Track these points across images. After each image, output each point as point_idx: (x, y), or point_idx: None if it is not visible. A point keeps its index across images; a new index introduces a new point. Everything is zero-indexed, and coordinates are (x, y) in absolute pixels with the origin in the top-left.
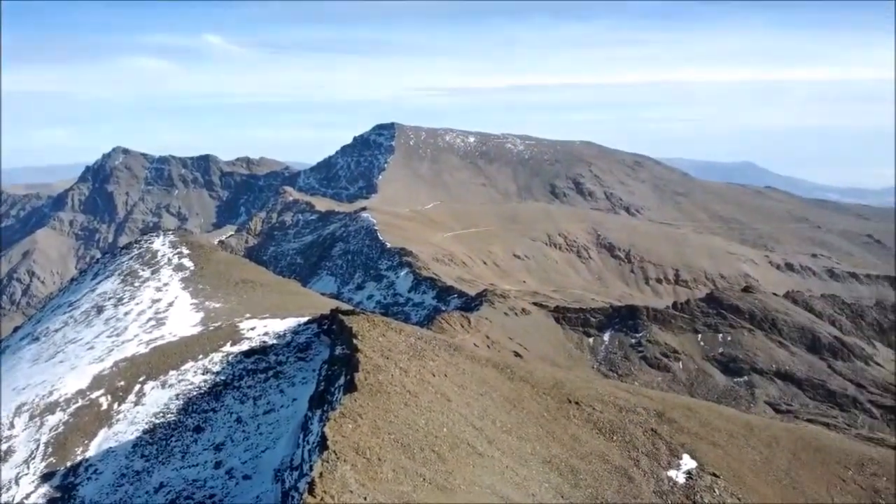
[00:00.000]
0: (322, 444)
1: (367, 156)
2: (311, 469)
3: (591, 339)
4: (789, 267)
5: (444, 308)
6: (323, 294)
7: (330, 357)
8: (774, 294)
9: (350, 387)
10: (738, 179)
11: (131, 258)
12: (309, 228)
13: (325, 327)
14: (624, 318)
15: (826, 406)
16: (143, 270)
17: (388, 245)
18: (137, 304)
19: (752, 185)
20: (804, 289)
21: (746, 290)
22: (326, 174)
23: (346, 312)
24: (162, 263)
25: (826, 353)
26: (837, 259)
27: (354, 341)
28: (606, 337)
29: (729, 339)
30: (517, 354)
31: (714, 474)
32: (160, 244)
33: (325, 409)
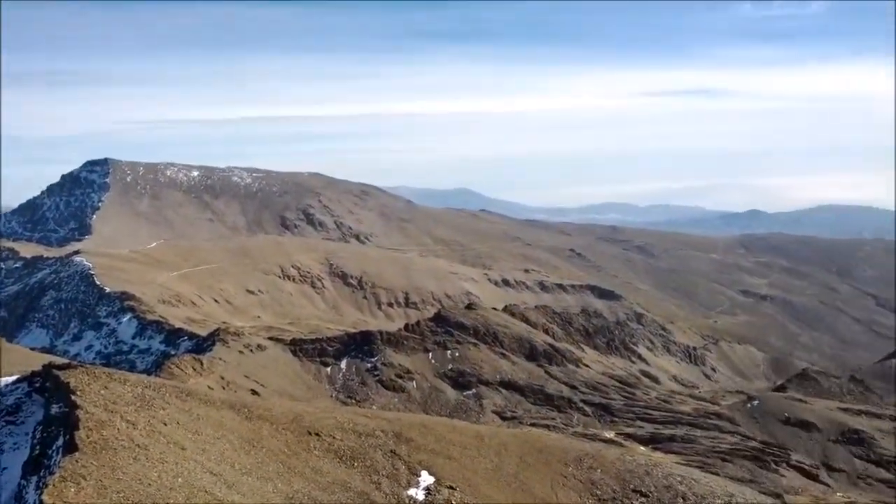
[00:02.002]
0: None
1: (78, 195)
2: None
3: (328, 369)
4: (506, 282)
5: (173, 352)
6: (33, 349)
7: (45, 417)
8: (494, 309)
9: (70, 447)
10: (456, 204)
11: None
12: (13, 278)
13: (38, 385)
14: (359, 345)
15: (546, 409)
16: None
17: (107, 290)
18: None
19: (469, 209)
20: (520, 302)
21: (469, 307)
22: (31, 217)
23: (62, 367)
24: None
25: (542, 360)
26: (546, 272)
27: (73, 397)
28: (343, 364)
29: (457, 354)
30: (254, 392)
31: (451, 487)
32: None
33: (41, 474)
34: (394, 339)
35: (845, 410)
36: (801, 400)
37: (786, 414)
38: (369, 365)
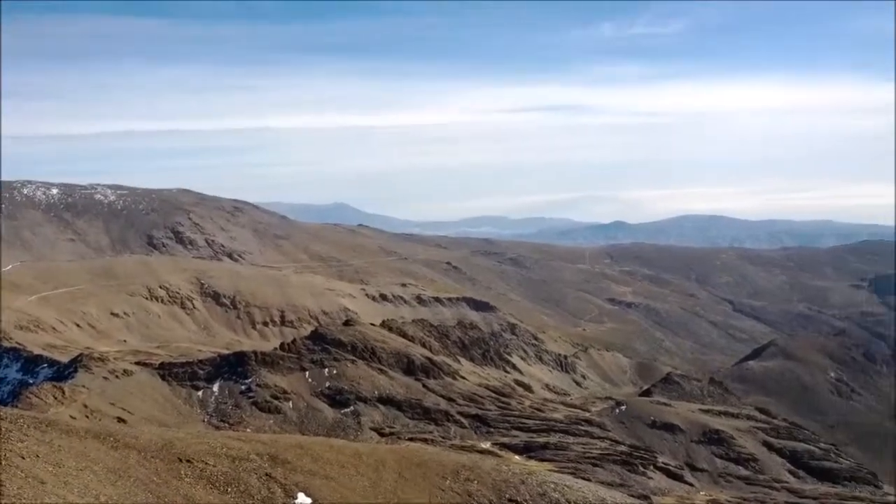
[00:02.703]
0: None
1: None
2: None
3: (200, 393)
4: (383, 297)
5: (31, 381)
6: None
7: None
8: (372, 324)
9: None
10: (333, 220)
11: None
12: None
13: None
14: (233, 366)
15: (424, 423)
16: None
17: None
18: None
19: (346, 225)
20: (397, 316)
21: (347, 323)
22: None
23: None
24: None
25: (420, 374)
26: (423, 286)
27: None
28: (216, 387)
29: (335, 372)
30: (121, 420)
31: None
32: None
33: None
34: (269, 359)
35: (706, 412)
36: (665, 403)
37: (652, 417)
38: (243, 387)
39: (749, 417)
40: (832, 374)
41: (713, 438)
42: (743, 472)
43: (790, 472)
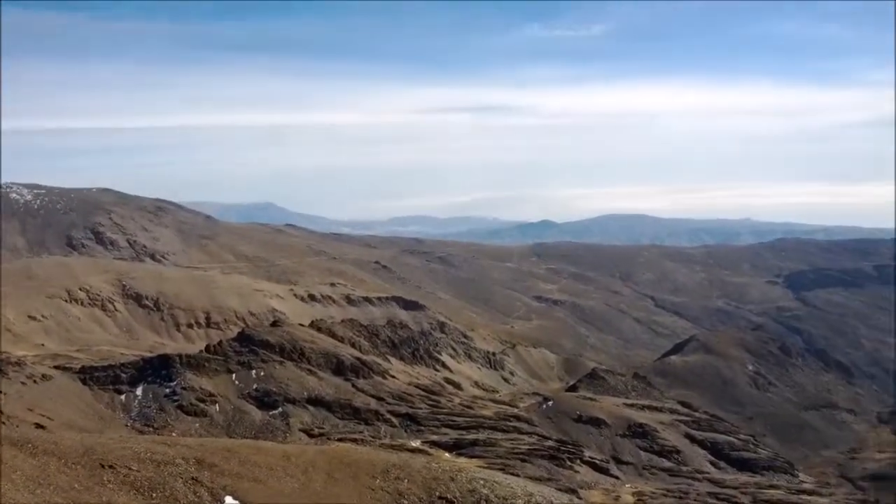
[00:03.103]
0: None
1: None
2: None
3: (122, 397)
4: (312, 298)
5: None
6: None
7: None
8: (301, 325)
9: None
10: (260, 219)
11: None
12: None
13: None
14: (156, 369)
15: (354, 423)
16: None
17: None
18: None
19: (273, 224)
20: (327, 316)
21: (275, 324)
22: None
23: None
24: None
25: (349, 374)
26: (353, 286)
27: None
28: (139, 391)
29: (262, 373)
30: (40, 426)
31: None
32: None
33: None
34: (194, 362)
35: (630, 406)
36: (591, 398)
37: (578, 412)
38: (168, 390)
39: (672, 411)
40: (750, 368)
41: (637, 432)
42: (666, 464)
43: (711, 463)
